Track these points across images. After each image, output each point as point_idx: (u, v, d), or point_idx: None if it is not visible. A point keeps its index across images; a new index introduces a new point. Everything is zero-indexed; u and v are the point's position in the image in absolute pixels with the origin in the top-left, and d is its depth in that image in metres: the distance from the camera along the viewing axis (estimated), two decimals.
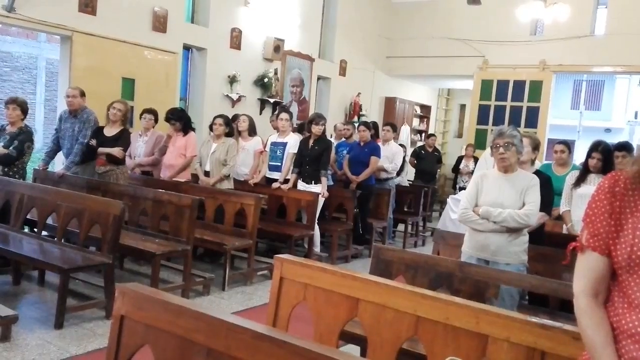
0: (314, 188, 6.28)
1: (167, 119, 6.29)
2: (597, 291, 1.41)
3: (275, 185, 6.35)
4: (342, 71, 10.96)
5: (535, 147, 4.25)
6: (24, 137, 5.19)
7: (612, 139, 7.76)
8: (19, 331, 3.67)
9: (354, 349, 2.98)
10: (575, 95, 20.87)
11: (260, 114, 9.09)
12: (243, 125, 6.51)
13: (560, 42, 9.92)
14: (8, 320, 3.57)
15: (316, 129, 6.32)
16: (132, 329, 1.89)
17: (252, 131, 6.62)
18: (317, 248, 6.39)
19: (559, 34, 9.79)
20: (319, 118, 6.38)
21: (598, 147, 4.69)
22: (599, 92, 21.11)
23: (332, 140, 7.69)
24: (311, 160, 6.31)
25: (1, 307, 3.67)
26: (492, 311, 2.14)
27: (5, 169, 5.16)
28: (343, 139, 7.88)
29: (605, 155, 4.63)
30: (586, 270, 1.42)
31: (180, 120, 6.27)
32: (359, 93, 11.27)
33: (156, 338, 1.82)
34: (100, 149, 5.63)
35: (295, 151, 6.40)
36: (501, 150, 3.50)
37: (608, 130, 20.27)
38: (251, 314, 4.49)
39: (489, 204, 3.53)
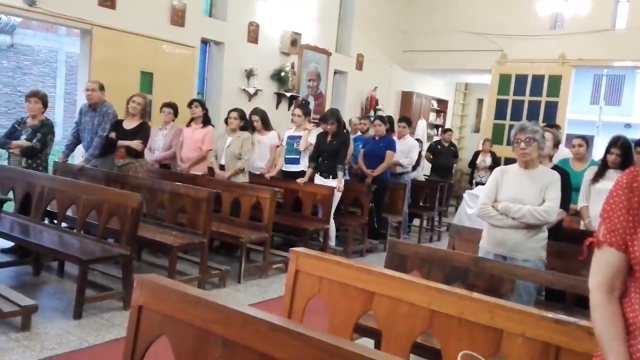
0: (331, 182, 6.29)
1: (190, 103, 6.43)
2: (613, 287, 1.40)
3: (300, 180, 6.36)
4: (359, 65, 10.93)
5: (556, 143, 4.21)
6: (46, 130, 5.27)
7: (632, 135, 7.63)
8: (39, 321, 3.73)
9: (368, 342, 2.99)
10: (595, 90, 20.54)
11: (277, 107, 9.11)
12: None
13: (581, 36, 9.79)
14: (28, 310, 3.63)
15: (327, 128, 6.34)
16: (150, 319, 1.92)
17: (267, 125, 6.63)
18: (332, 242, 6.40)
19: (579, 28, 9.66)
20: (329, 117, 6.37)
21: (617, 142, 4.63)
22: (619, 87, 20.76)
23: None
24: (329, 155, 6.33)
25: (21, 297, 3.73)
26: (507, 306, 2.14)
27: (29, 161, 5.25)
28: (359, 133, 7.86)
29: (625, 151, 4.57)
30: (602, 265, 1.42)
31: (203, 106, 6.41)
32: (376, 87, 11.23)
33: (173, 328, 1.85)
34: (120, 142, 5.70)
35: (313, 141, 6.44)
36: (522, 145, 3.46)
37: (628, 125, 19.94)
38: (266, 306, 4.52)
39: (509, 200, 3.50)
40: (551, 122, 7.83)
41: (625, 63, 10.21)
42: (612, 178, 4.51)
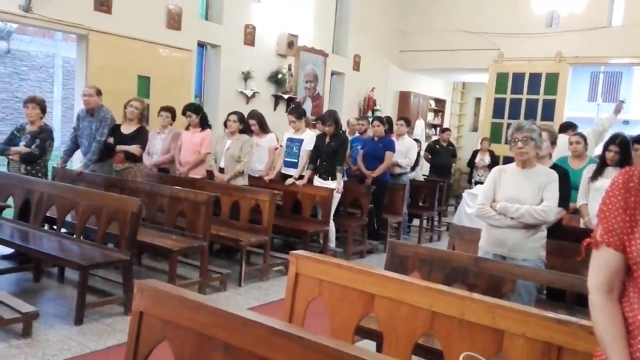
0: (330, 184, 6.29)
1: (184, 112, 6.37)
2: (612, 287, 1.41)
3: (289, 181, 6.37)
4: (356, 66, 10.93)
5: (554, 141, 4.21)
6: (45, 136, 5.28)
7: (631, 131, 7.64)
8: (40, 327, 3.73)
9: (369, 345, 2.99)
10: (593, 87, 20.56)
11: (275, 110, 9.11)
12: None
13: (577, 33, 9.79)
14: (29, 316, 3.63)
15: (325, 130, 6.36)
16: (151, 325, 1.92)
17: (265, 128, 6.62)
18: (332, 244, 6.40)
19: (575, 25, 9.67)
20: (327, 118, 6.40)
21: (615, 140, 4.64)
22: (617, 84, 20.78)
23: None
24: (327, 156, 6.34)
25: (22, 303, 3.73)
26: (508, 306, 2.14)
27: (29, 168, 5.25)
28: (357, 134, 7.86)
29: (623, 148, 4.58)
30: (601, 266, 1.42)
31: (197, 112, 6.34)
32: (373, 88, 11.24)
33: (174, 333, 1.85)
34: (119, 147, 5.70)
35: (311, 148, 6.42)
36: (520, 144, 3.45)
37: (626, 122, 19.95)
38: (267, 309, 4.52)
39: (507, 200, 3.49)
40: (567, 122, 7.75)
41: (622, 60, 10.22)
42: (610, 176, 4.51)
